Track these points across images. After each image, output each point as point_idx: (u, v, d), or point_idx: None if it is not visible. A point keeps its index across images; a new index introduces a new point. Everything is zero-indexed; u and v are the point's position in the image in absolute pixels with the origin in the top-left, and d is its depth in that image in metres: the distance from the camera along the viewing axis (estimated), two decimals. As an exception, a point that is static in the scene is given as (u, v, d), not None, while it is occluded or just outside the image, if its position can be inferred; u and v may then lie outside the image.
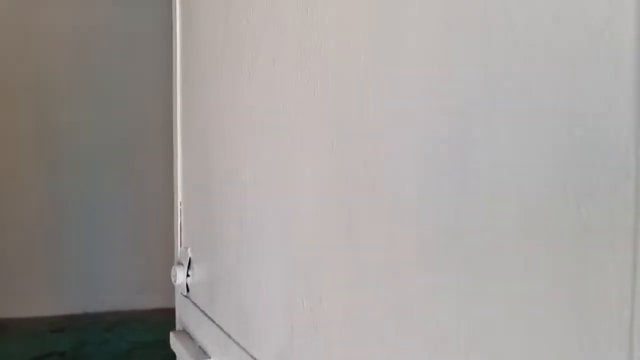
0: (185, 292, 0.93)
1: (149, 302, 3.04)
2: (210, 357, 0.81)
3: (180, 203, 0.97)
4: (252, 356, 0.68)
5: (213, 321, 0.80)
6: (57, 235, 2.93)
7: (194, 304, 0.89)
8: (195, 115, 0.91)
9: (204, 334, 0.84)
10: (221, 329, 0.77)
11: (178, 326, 0.97)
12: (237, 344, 0.72)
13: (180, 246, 0.97)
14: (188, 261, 0.92)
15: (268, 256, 0.64)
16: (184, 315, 0.94)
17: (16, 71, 2.82)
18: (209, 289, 0.83)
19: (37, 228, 2.91)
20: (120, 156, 2.99)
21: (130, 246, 3.02)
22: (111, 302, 3.00)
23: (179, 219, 0.97)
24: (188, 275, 0.92)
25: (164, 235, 3.03)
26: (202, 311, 0.85)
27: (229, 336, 0.74)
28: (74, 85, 2.92)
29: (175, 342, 0.91)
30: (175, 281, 0.93)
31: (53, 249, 2.93)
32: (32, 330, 2.74)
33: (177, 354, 0.93)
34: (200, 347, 0.86)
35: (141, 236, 3.04)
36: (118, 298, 3.01)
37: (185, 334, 0.91)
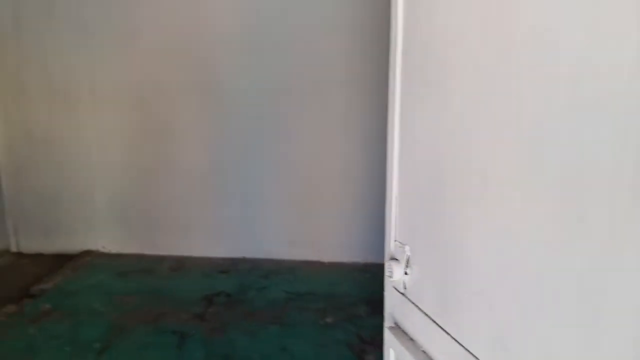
0: (401, 289, 0.91)
1: (298, 254, 3.25)
2: (440, 368, 0.79)
3: (396, 197, 0.93)
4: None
5: (447, 333, 0.77)
6: (223, 185, 3.22)
7: (415, 305, 0.87)
8: (419, 113, 0.84)
9: (432, 342, 0.81)
10: (462, 345, 0.73)
11: (389, 321, 0.96)
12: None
13: (394, 240, 0.94)
14: (406, 259, 0.89)
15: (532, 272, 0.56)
16: (399, 312, 0.93)
17: (184, 35, 3.03)
18: (442, 297, 0.79)
19: (206, 177, 3.22)
20: (287, 111, 3.10)
21: (286, 199, 3.20)
22: (266, 250, 3.27)
23: (393, 211, 0.93)
24: (406, 273, 0.90)
25: (321, 192, 3.19)
26: (429, 317, 0.82)
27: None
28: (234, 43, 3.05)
29: (393, 342, 0.90)
30: (391, 276, 0.91)
31: (219, 196, 3.23)
32: (202, 269, 3.11)
33: (392, 352, 0.93)
34: (424, 351, 0.84)
35: (296, 189, 3.19)
36: (272, 247, 3.26)
37: (403, 334, 0.90)
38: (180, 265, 3.18)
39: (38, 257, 3.32)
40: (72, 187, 3.26)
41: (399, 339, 0.88)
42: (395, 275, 0.90)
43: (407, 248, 0.89)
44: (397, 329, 0.92)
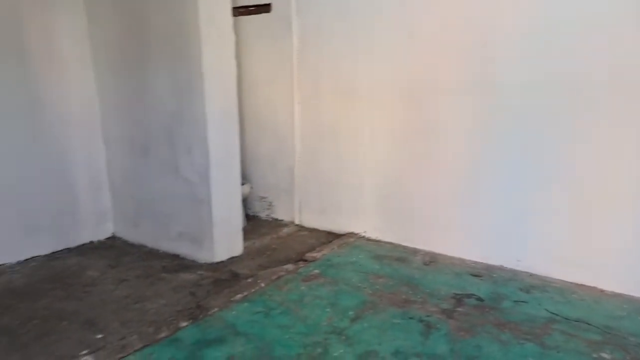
0: None
1: (569, 274, 2.78)
2: None
3: None
4: None
5: None
6: (487, 186, 3.05)
7: None
8: None
9: None
10: None
11: None
12: None
13: None
14: None
15: None
16: None
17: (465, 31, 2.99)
18: None
19: (469, 176, 3.11)
20: (573, 112, 2.73)
21: (560, 209, 2.79)
22: (528, 263, 2.93)
23: None
24: None
25: (610, 206, 2.61)
26: None
27: None
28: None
29: None
30: None
31: (481, 197, 3.08)
32: (454, 268, 3.03)
33: None
34: None
35: (575, 200, 2.75)
36: (536, 261, 2.90)
37: None
38: (433, 260, 3.17)
39: (313, 231, 3.89)
40: (346, 175, 3.69)
41: None
42: None
43: None
44: None
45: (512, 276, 2.90)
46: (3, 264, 3.02)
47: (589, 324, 2.31)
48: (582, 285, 2.75)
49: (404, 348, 2.09)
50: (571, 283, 2.78)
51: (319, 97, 3.72)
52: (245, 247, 3.38)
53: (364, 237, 3.65)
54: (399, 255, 3.27)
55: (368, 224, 3.64)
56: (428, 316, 2.38)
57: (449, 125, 3.13)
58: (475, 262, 3.12)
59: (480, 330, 2.24)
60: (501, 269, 3.01)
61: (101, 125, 3.52)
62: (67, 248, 3.36)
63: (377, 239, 3.59)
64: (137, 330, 2.24)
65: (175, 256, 3.24)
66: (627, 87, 2.50)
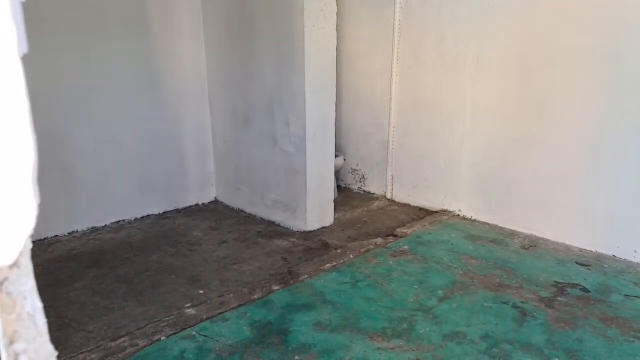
0: None
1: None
2: None
3: None
4: None
5: None
6: (601, 168, 2.75)
7: None
8: None
9: None
10: None
11: None
12: None
13: None
14: None
15: None
16: None
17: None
18: None
19: (580, 156, 2.83)
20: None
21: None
22: (647, 256, 2.62)
23: None
24: None
25: None
26: None
27: None
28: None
29: None
30: None
31: (592, 180, 2.79)
32: (558, 255, 2.81)
33: None
34: None
35: None
36: (657, 254, 2.58)
37: None
38: (533, 244, 2.97)
39: (404, 206, 3.84)
40: (443, 150, 3.55)
41: None
42: None
43: None
44: None
45: (626, 268, 2.61)
46: (123, 220, 3.44)
47: None
48: None
49: (495, 333, 2.01)
50: (701, 282, 2.43)
51: (419, 70, 3.59)
52: (336, 219, 3.45)
53: (458, 215, 3.52)
54: (496, 237, 3.10)
55: (463, 202, 3.49)
56: (524, 303, 2.25)
57: (563, 99, 2.84)
58: (583, 250, 2.86)
59: (583, 324, 2.07)
60: (614, 259, 2.73)
61: (209, 97, 3.77)
62: (177, 209, 3.71)
63: (473, 218, 3.44)
64: (234, 289, 2.43)
65: (271, 223, 3.42)
66: None
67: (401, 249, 2.92)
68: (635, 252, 2.67)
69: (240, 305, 2.24)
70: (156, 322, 2.12)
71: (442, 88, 3.46)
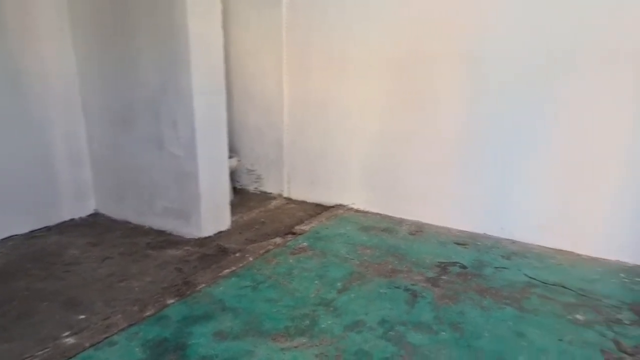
0: None
1: (549, 240, 2.85)
2: None
3: None
4: None
5: None
6: (471, 156, 3.06)
7: None
8: None
9: None
10: None
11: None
12: None
13: None
14: None
15: None
16: None
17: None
18: None
19: (454, 147, 3.12)
20: (541, 84, 2.72)
21: (542, 178, 2.83)
22: (511, 231, 2.98)
23: None
24: None
25: (589, 175, 2.66)
26: None
27: None
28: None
29: None
30: None
31: (465, 168, 3.10)
32: (439, 238, 3.07)
33: None
34: None
35: (556, 169, 2.78)
36: (518, 228, 2.95)
37: None
38: (418, 230, 3.21)
39: (302, 203, 3.90)
40: (334, 147, 3.66)
41: None
42: None
43: None
44: None
45: (494, 243, 2.96)
46: (-20, 245, 2.98)
47: (565, 288, 2.38)
48: (560, 250, 2.82)
49: (390, 317, 2.13)
50: (550, 249, 2.85)
51: (308, 68, 3.65)
52: (233, 222, 3.38)
53: (352, 208, 3.67)
54: (386, 225, 3.30)
55: (356, 195, 3.65)
56: (413, 285, 2.43)
57: (438, 96, 3.11)
58: (461, 231, 3.17)
59: (464, 297, 2.30)
60: (485, 236, 3.07)
61: (81, 99, 3.42)
62: (47, 226, 3.31)
63: (365, 210, 3.61)
64: (121, 309, 2.23)
65: (161, 232, 3.23)
66: (604, 58, 2.50)
67: (300, 246, 2.95)
68: (502, 228, 3.03)
69: (130, 326, 2.06)
70: (27, 358, 1.85)
71: (331, 86, 3.56)
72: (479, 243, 2.97)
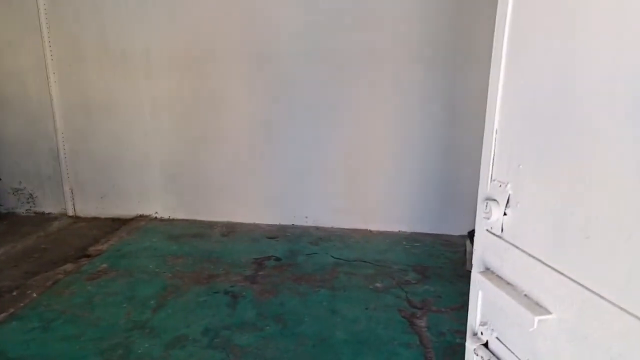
0: (498, 232, 0.83)
1: (347, 222, 3.19)
2: (550, 312, 0.70)
3: (496, 131, 0.83)
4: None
5: (562, 274, 0.68)
6: (271, 153, 3.18)
7: (515, 246, 0.78)
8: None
9: (539, 284, 0.73)
10: (582, 285, 0.64)
11: (479, 266, 0.88)
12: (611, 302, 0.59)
13: (491, 179, 0.85)
14: (507, 199, 0.80)
15: None
16: (493, 256, 0.85)
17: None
18: (556, 235, 0.70)
19: (255, 146, 3.19)
20: (339, 79, 3.01)
21: (334, 168, 3.14)
22: (315, 218, 3.23)
23: (492, 149, 0.84)
24: (505, 214, 0.81)
25: (370, 162, 3.10)
26: (535, 258, 0.74)
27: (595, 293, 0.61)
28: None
29: (487, 288, 0.82)
30: (488, 218, 0.82)
31: (268, 165, 3.21)
32: (252, 235, 3.12)
33: (481, 299, 0.85)
34: (526, 295, 0.75)
35: (345, 159, 3.12)
36: (321, 215, 3.22)
37: (498, 278, 0.82)
38: (231, 230, 3.19)
39: (94, 220, 3.42)
40: (128, 153, 3.32)
41: (494, 284, 0.80)
42: (493, 216, 0.81)
43: (509, 187, 0.80)
44: (491, 274, 0.84)
45: (303, 232, 3.16)
46: None
47: (364, 261, 2.72)
48: (356, 229, 3.21)
49: (213, 324, 2.06)
50: (348, 229, 3.21)
51: (83, 67, 3.19)
52: (1, 254, 2.74)
53: (156, 218, 3.40)
54: (197, 230, 3.17)
55: (159, 203, 3.40)
56: (232, 286, 2.40)
57: (233, 96, 3.12)
58: (270, 225, 3.28)
59: (282, 288, 2.39)
60: (293, 227, 3.25)
61: None
62: None
63: (172, 218, 3.40)
64: None
65: None
66: (379, 64, 2.93)
67: (99, 268, 2.59)
68: (306, 217, 3.26)
69: None
70: None
71: (114, 86, 3.20)
72: (288, 234, 3.13)
